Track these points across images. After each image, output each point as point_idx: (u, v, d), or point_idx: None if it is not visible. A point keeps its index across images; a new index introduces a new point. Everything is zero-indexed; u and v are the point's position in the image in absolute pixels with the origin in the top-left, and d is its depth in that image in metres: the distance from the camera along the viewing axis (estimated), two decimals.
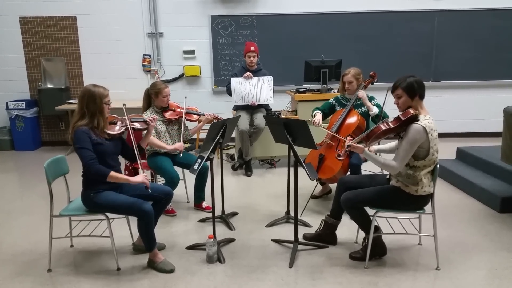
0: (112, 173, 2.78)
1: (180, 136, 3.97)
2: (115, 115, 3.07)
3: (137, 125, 3.13)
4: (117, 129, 2.96)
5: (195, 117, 4.08)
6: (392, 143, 3.16)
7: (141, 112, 3.90)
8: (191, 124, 4.12)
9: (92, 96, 2.81)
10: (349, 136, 3.31)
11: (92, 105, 2.81)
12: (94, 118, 2.83)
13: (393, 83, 2.85)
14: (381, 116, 3.35)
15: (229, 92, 5.24)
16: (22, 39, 6.69)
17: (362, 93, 3.92)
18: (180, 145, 3.84)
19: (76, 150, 2.77)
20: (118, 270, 2.97)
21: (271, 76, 5.19)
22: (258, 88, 5.15)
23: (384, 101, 3.02)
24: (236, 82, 5.14)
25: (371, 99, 3.99)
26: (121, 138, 3.07)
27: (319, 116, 4.05)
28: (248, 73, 5.14)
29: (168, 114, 3.89)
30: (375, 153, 3.12)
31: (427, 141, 2.70)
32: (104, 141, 2.86)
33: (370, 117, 3.95)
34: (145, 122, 3.21)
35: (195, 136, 5.13)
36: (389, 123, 2.74)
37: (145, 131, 3.26)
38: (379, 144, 3.20)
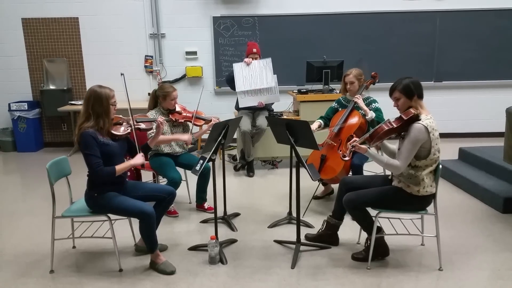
0: (117, 167, 2.80)
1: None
2: (120, 116, 3.07)
3: (142, 126, 3.13)
4: (122, 130, 2.96)
5: (201, 122, 4.07)
6: (394, 146, 3.16)
7: (144, 112, 3.91)
8: (195, 128, 4.11)
9: (98, 98, 2.80)
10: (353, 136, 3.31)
11: (98, 106, 2.80)
12: (100, 119, 2.82)
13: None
14: (376, 122, 3.35)
15: (230, 83, 5.22)
16: (25, 41, 6.71)
17: (357, 98, 3.91)
18: (189, 136, 3.83)
19: (84, 155, 2.77)
20: (121, 271, 2.97)
21: (270, 58, 5.18)
22: (259, 72, 5.13)
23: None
24: (237, 67, 5.13)
25: (372, 102, 3.97)
26: (127, 139, 3.07)
27: (314, 124, 4.06)
28: (248, 59, 5.14)
29: (174, 117, 3.88)
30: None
31: (429, 140, 2.70)
32: (110, 141, 2.87)
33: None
34: (150, 122, 3.22)
35: None
36: (392, 123, 2.75)
37: (150, 132, 3.26)
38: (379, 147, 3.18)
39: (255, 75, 5.12)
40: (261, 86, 5.14)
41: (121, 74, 3.09)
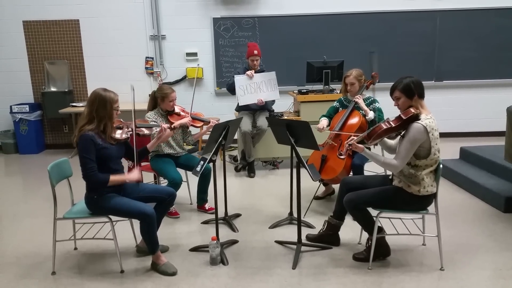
0: (111, 178, 2.81)
1: (182, 140, 4.00)
2: (120, 120, 3.07)
3: (142, 131, 3.13)
4: (123, 135, 2.97)
5: (200, 123, 4.07)
6: (393, 142, 3.15)
7: (145, 113, 3.91)
8: (194, 129, 4.10)
9: (103, 101, 2.80)
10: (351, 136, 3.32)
11: (102, 110, 2.80)
12: (102, 123, 2.83)
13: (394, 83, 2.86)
14: (377, 122, 3.36)
15: (231, 90, 5.23)
16: (26, 43, 6.72)
17: (358, 98, 3.92)
18: (188, 119, 3.86)
19: (80, 157, 2.78)
20: (122, 272, 2.97)
21: (274, 72, 5.17)
22: (260, 85, 5.12)
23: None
24: (239, 80, 5.13)
25: (373, 101, 3.98)
26: (125, 142, 3.07)
27: (324, 121, 4.07)
28: (250, 71, 5.13)
29: (173, 118, 3.88)
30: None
31: (428, 140, 2.69)
32: (109, 145, 2.87)
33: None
34: (151, 128, 3.22)
35: None
36: (390, 122, 2.75)
37: (153, 133, 3.27)
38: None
39: (257, 87, 5.10)
40: (266, 98, 5.15)
41: (132, 89, 3.06)
